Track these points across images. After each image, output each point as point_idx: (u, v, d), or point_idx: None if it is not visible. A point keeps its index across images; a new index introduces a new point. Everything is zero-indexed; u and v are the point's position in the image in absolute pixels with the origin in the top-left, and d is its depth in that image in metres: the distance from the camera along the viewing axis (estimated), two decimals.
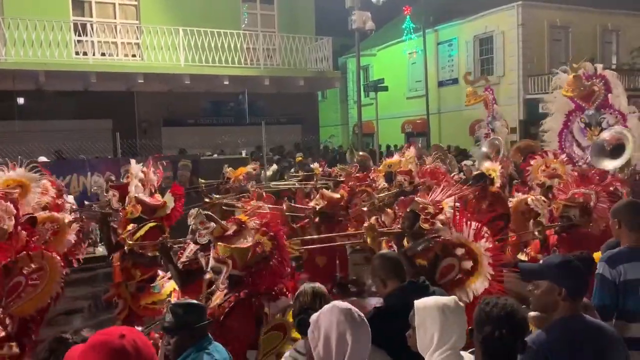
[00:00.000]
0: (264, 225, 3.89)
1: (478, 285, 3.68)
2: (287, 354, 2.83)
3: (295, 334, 3.34)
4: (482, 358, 2.10)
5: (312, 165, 10.15)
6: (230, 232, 3.90)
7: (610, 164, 7.28)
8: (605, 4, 22.05)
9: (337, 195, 5.96)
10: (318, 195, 5.92)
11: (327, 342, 2.26)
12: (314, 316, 2.36)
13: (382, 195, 7.63)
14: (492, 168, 7.47)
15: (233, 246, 3.64)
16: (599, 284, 3.22)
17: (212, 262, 3.64)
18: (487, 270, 3.73)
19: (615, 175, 6.69)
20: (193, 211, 4.39)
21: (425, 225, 4.17)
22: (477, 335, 2.15)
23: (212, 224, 3.98)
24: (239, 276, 3.58)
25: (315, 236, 5.65)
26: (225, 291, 3.60)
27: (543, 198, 5.47)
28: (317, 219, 5.79)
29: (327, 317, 2.29)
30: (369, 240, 4.69)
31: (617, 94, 8.54)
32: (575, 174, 5.90)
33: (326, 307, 2.35)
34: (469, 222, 3.86)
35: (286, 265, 3.93)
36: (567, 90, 8.58)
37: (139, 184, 5.89)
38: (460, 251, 3.83)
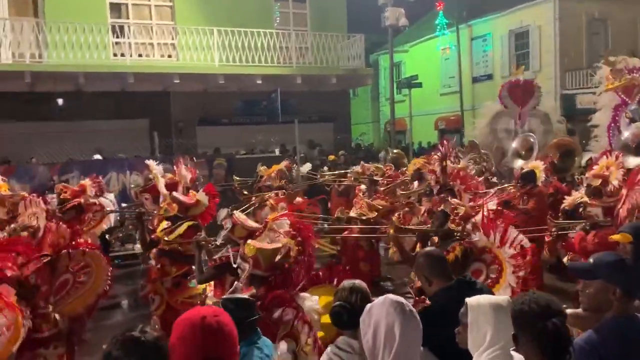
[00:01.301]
0: (294, 229, 3.91)
1: (501, 292, 3.61)
2: (328, 350, 2.84)
3: (307, 347, 3.44)
4: (543, 356, 2.05)
5: (355, 168, 10.04)
6: (257, 232, 3.96)
7: (634, 161, 7.10)
8: None
9: (381, 207, 5.93)
10: (364, 206, 5.87)
11: (376, 331, 2.29)
12: (368, 306, 2.39)
13: (407, 192, 7.62)
14: (535, 165, 7.37)
15: (259, 246, 3.68)
16: None
17: (239, 260, 3.75)
18: (511, 278, 3.68)
19: None
20: (223, 210, 4.46)
21: (453, 226, 4.15)
22: (528, 335, 2.07)
23: (232, 224, 4.04)
24: (262, 277, 3.63)
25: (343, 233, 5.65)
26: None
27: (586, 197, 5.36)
28: (364, 229, 5.74)
29: (379, 307, 2.32)
30: (391, 230, 4.72)
31: None
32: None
33: (380, 298, 2.39)
34: (498, 226, 3.82)
35: (308, 273, 3.95)
36: (610, 84, 8.40)
37: (162, 180, 6.03)
38: (488, 257, 3.81)
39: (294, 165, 11.16)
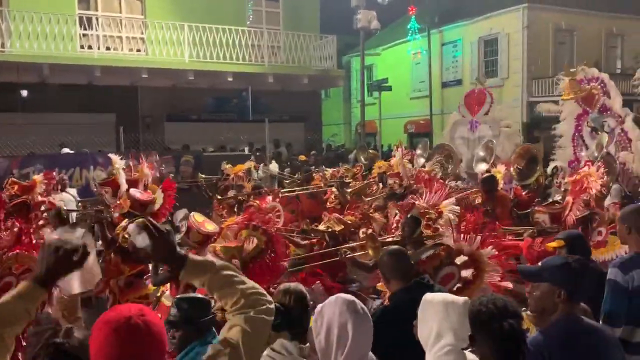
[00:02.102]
0: (253, 221, 3.91)
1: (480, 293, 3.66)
2: (264, 353, 2.80)
3: None
4: (498, 356, 2.08)
5: (326, 170, 10.00)
6: (215, 237, 3.93)
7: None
8: (610, 7, 22.02)
9: (349, 221, 5.91)
10: (331, 219, 5.83)
11: (328, 331, 2.29)
12: (318, 307, 2.39)
13: (371, 198, 7.65)
14: (497, 170, 7.52)
15: (233, 246, 3.66)
16: (611, 290, 3.20)
17: None
18: (492, 278, 3.73)
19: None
20: (181, 211, 4.34)
21: (428, 231, 4.15)
22: (484, 336, 2.12)
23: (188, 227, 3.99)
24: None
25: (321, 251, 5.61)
26: None
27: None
28: (330, 242, 5.69)
29: (331, 307, 2.33)
30: (370, 252, 4.66)
31: (614, 96, 8.68)
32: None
33: (331, 297, 2.40)
34: (473, 229, 3.85)
35: (282, 258, 3.96)
36: (566, 94, 8.68)
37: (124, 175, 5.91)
38: (460, 259, 3.81)
39: (262, 164, 11.10)
